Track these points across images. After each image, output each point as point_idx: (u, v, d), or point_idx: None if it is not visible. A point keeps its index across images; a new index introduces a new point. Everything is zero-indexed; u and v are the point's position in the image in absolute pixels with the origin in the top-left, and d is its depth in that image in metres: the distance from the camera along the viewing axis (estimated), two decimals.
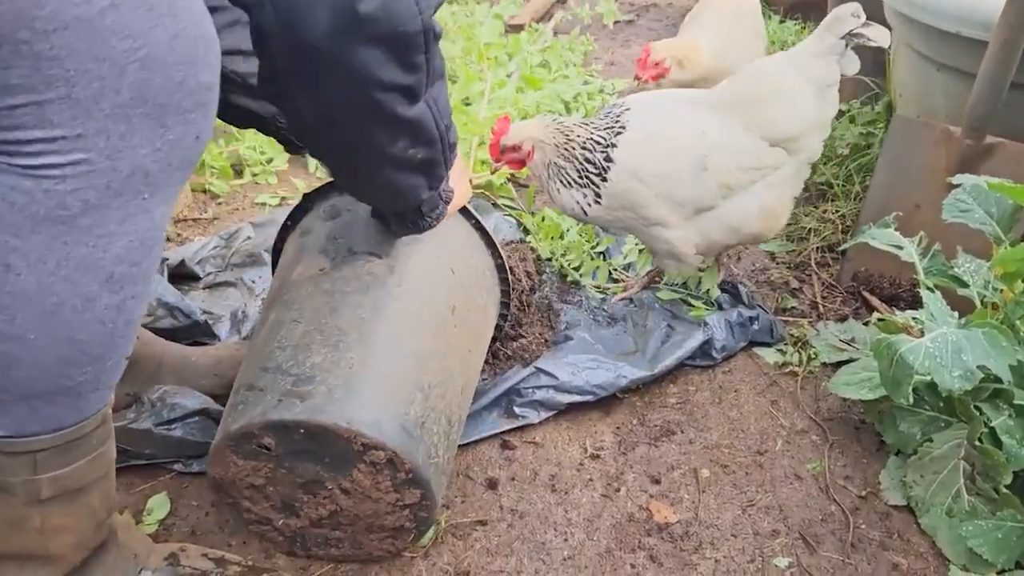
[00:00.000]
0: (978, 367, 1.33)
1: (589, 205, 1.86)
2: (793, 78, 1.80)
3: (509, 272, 1.75)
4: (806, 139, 1.82)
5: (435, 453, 1.35)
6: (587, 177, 1.84)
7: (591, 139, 1.83)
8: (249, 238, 2.27)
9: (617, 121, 1.84)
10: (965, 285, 1.66)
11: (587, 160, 1.83)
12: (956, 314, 1.48)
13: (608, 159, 1.82)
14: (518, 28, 4.05)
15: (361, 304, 1.39)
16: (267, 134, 1.60)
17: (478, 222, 1.66)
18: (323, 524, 1.40)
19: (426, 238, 1.50)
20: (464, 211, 1.64)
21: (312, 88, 1.11)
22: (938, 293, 1.52)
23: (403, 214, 1.41)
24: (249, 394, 1.33)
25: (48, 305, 0.95)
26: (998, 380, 1.41)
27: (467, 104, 2.92)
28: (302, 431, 1.27)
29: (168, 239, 2.38)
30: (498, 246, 1.69)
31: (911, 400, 1.39)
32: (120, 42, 0.86)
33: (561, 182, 1.87)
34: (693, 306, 2.04)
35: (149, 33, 0.88)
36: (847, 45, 1.76)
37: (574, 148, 1.84)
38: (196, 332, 1.89)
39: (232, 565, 1.39)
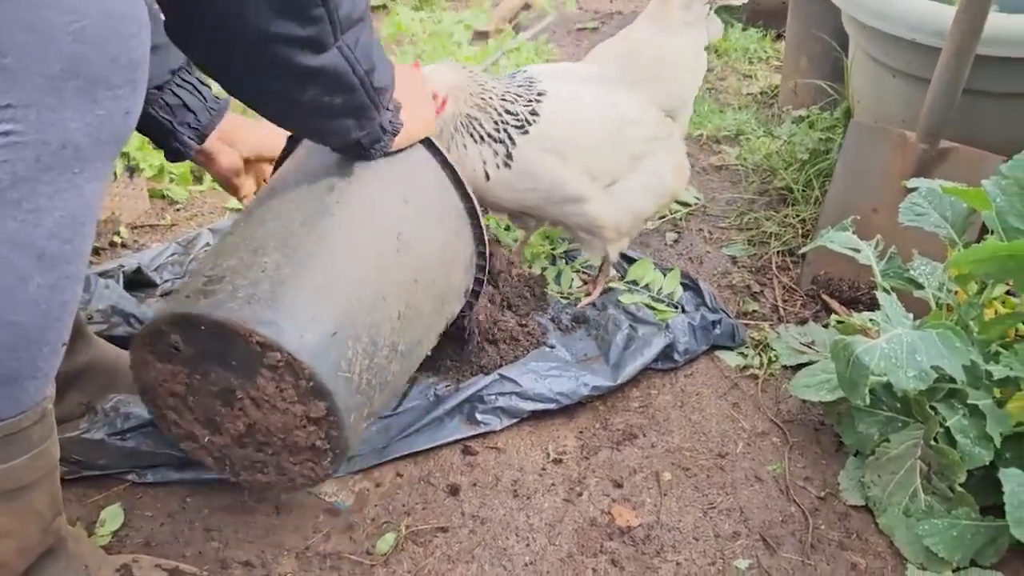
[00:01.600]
0: (932, 367, 1.35)
1: (496, 167, 1.77)
2: (678, 50, 1.87)
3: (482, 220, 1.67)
4: (689, 104, 1.96)
5: (347, 368, 1.29)
6: (505, 131, 1.76)
7: (509, 91, 1.80)
8: (208, 244, 2.24)
9: (531, 85, 1.83)
10: (921, 287, 1.68)
11: (507, 111, 1.76)
12: (911, 316, 1.49)
13: (532, 113, 1.78)
14: (485, 35, 4.05)
15: (292, 217, 1.38)
16: (146, 134, 1.58)
17: (445, 159, 1.59)
18: (245, 443, 1.36)
19: (383, 167, 1.48)
20: (431, 147, 1.59)
21: (210, 43, 1.13)
22: (894, 295, 1.53)
23: (342, 148, 1.44)
24: (168, 296, 1.32)
25: None
26: (953, 380, 1.42)
27: None
28: (203, 328, 1.24)
29: (124, 246, 2.34)
30: (467, 188, 1.61)
31: (867, 401, 1.41)
32: (54, 14, 0.86)
33: (471, 136, 1.76)
34: (656, 309, 2.05)
35: (83, 7, 0.88)
36: (710, 9, 1.86)
37: (491, 98, 1.77)
38: None
39: (186, 575, 1.36)
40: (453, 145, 1.79)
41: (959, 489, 1.43)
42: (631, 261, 2.22)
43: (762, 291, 2.23)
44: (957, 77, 1.88)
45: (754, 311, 2.15)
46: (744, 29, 4.10)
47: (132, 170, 2.39)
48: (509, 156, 1.78)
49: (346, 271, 1.36)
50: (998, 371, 1.41)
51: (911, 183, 1.68)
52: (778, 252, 2.35)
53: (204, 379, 1.31)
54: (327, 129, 1.33)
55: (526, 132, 1.77)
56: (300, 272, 1.31)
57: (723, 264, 2.35)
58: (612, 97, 1.87)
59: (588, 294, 2.12)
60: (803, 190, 2.50)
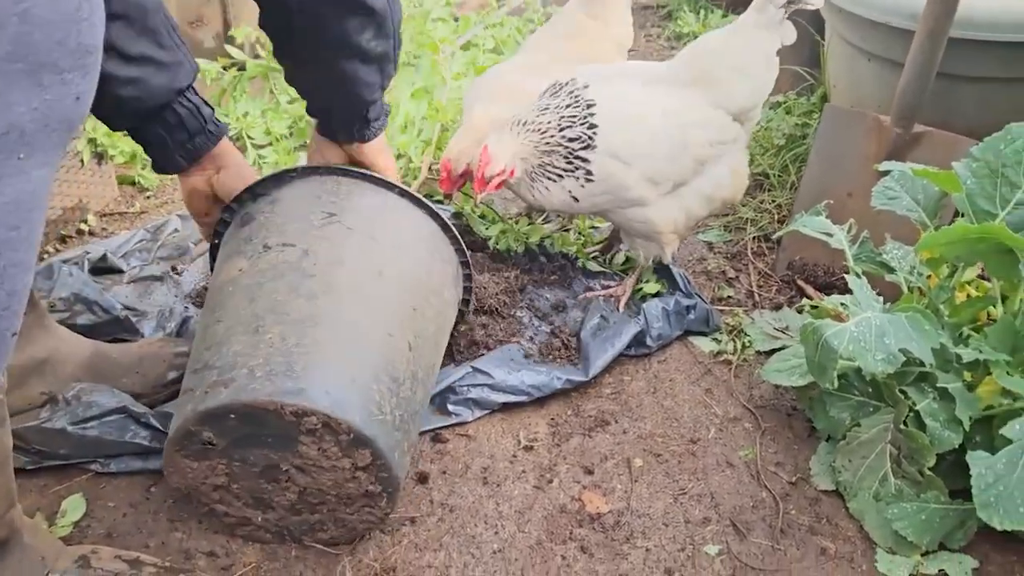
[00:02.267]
0: (900, 350, 1.34)
1: (582, 186, 1.81)
2: (746, 53, 1.83)
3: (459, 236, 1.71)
4: (758, 109, 1.90)
5: (379, 410, 1.32)
6: (576, 157, 1.79)
7: (563, 118, 1.81)
8: (176, 231, 2.21)
9: (577, 98, 1.82)
10: (892, 271, 1.67)
11: (570, 139, 1.79)
12: (881, 299, 1.48)
13: (591, 127, 1.79)
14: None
15: (277, 289, 1.39)
16: (139, 142, 1.59)
17: (396, 187, 1.62)
18: (299, 510, 1.40)
19: (346, 216, 1.52)
20: (376, 180, 1.61)
21: None
22: (864, 279, 1.52)
23: (351, 120, 1.54)
24: (183, 398, 1.35)
25: None
26: (922, 364, 1.41)
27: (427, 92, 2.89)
28: (232, 416, 1.27)
29: (92, 233, 2.30)
30: (431, 206, 1.64)
31: (836, 385, 1.40)
32: None
33: (549, 178, 1.82)
34: (641, 287, 2.05)
35: None
36: (785, 14, 1.81)
37: (552, 136, 1.80)
38: (117, 328, 1.82)
39: (147, 567, 1.34)
40: (537, 192, 1.85)
41: (928, 473, 1.42)
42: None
43: (737, 277, 2.22)
44: (931, 60, 1.87)
45: (729, 297, 2.13)
46: (724, 15, 4.09)
47: (100, 156, 2.36)
48: (589, 174, 1.80)
49: (345, 321, 1.38)
50: (967, 354, 1.40)
51: (883, 166, 1.67)
52: (754, 238, 2.34)
53: (244, 464, 1.35)
54: (362, 82, 1.44)
55: (594, 147, 1.79)
56: (305, 336, 1.33)
57: (699, 250, 2.34)
58: (676, 99, 1.84)
59: (615, 297, 2.04)
60: (779, 175, 2.49)
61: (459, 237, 1.69)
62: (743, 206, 2.46)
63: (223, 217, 1.63)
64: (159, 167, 1.62)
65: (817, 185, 2.12)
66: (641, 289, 2.07)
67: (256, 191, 1.59)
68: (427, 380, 1.51)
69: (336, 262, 1.44)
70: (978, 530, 1.43)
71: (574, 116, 1.80)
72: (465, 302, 1.81)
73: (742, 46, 1.84)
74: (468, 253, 1.74)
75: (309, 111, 1.62)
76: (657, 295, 2.04)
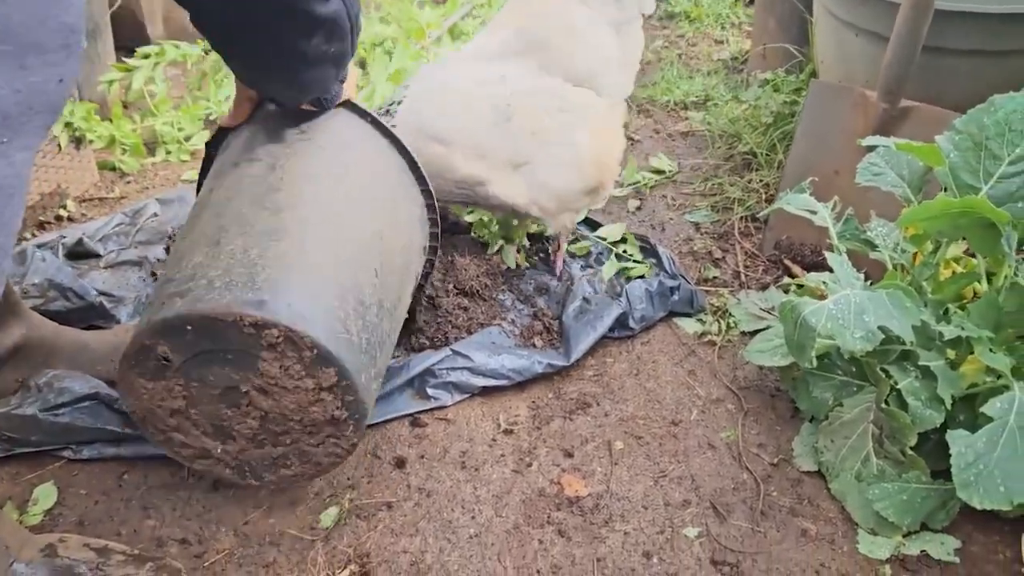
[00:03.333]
0: (879, 328, 1.31)
1: None
2: (582, 16, 1.77)
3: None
4: (610, 76, 1.81)
5: (344, 329, 1.27)
6: None
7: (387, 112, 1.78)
8: (156, 215, 2.18)
9: (403, 95, 1.79)
10: (877, 248, 1.64)
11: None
12: (862, 276, 1.45)
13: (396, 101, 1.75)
14: None
15: (242, 202, 1.35)
16: None
17: (373, 119, 1.58)
18: (262, 441, 1.34)
19: (317, 136, 1.48)
20: (357, 110, 1.57)
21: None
22: (845, 256, 1.49)
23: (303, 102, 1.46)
24: (142, 312, 1.31)
25: None
26: (903, 341, 1.39)
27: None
28: (189, 328, 1.21)
29: (71, 219, 2.27)
30: (402, 142, 1.59)
31: (814, 364, 1.37)
32: None
33: None
34: (627, 266, 2.05)
35: None
36: None
37: None
38: (91, 315, 1.80)
39: (116, 554, 1.32)
40: None
41: (910, 452, 1.40)
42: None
43: (724, 257, 2.19)
44: (916, 31, 1.83)
45: (715, 277, 2.10)
46: None
47: (79, 141, 2.33)
48: None
49: (311, 238, 1.32)
50: (949, 331, 1.37)
51: (866, 141, 1.64)
52: (741, 218, 2.30)
53: (203, 385, 1.28)
54: (314, 79, 1.36)
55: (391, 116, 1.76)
56: (268, 249, 1.27)
57: (686, 230, 2.30)
58: (500, 70, 1.76)
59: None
60: (767, 154, 2.45)
61: (426, 179, 1.63)
62: (731, 185, 2.42)
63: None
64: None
65: (803, 163, 2.08)
66: (627, 270, 2.05)
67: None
68: (393, 312, 1.44)
69: (304, 177, 1.40)
70: (961, 510, 1.40)
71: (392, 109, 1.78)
72: (432, 249, 1.73)
73: (579, 9, 1.77)
74: (435, 198, 1.66)
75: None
76: (641, 277, 2.02)
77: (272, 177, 1.38)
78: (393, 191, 1.56)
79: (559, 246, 2.06)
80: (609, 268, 2.07)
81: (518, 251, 2.10)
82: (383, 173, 1.56)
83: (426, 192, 1.65)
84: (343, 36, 1.29)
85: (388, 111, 1.77)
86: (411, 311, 1.78)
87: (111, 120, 2.56)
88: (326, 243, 1.34)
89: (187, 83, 2.90)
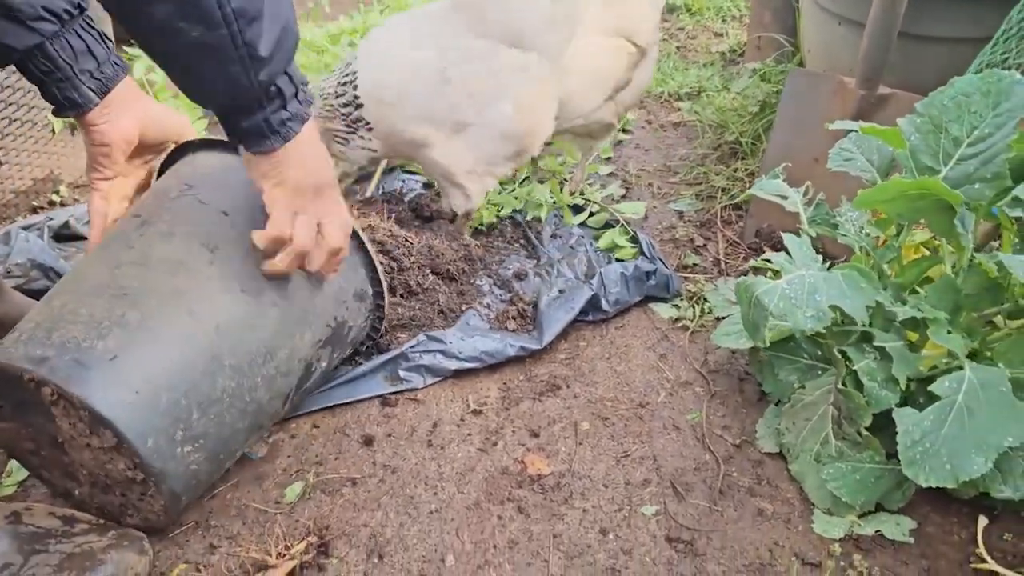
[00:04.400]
0: (831, 307, 1.31)
1: (371, 140, 1.84)
2: None
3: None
4: (542, 37, 1.81)
5: (132, 390, 1.21)
6: (355, 122, 1.81)
7: (337, 83, 1.82)
8: None
9: (355, 58, 1.83)
10: (845, 234, 1.65)
11: (344, 104, 1.81)
12: (820, 258, 1.46)
13: (351, 83, 1.80)
14: None
15: (93, 260, 1.34)
16: (36, 80, 1.39)
17: None
18: (105, 488, 1.31)
19: (201, 191, 1.40)
20: None
21: None
22: (805, 238, 1.50)
23: (238, 123, 1.22)
24: None
25: None
26: (858, 322, 1.39)
27: None
28: None
29: (63, 205, 2.32)
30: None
31: (767, 343, 1.38)
32: None
33: (340, 143, 1.85)
34: (619, 245, 2.09)
35: None
36: None
37: (330, 101, 1.82)
38: None
39: (80, 523, 1.35)
40: (339, 156, 1.90)
41: (865, 433, 1.40)
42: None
43: (705, 245, 2.19)
44: (892, 18, 1.83)
45: (695, 264, 2.11)
46: None
47: (73, 126, 2.37)
48: (370, 127, 1.84)
49: (134, 293, 1.27)
50: (903, 312, 1.37)
51: (834, 126, 1.64)
52: (724, 207, 2.31)
53: (38, 431, 1.28)
54: (196, 74, 1.17)
55: (360, 104, 1.81)
56: (81, 306, 1.25)
57: (669, 218, 2.31)
58: (438, 33, 1.80)
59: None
60: (752, 143, 2.45)
61: (357, 229, 1.49)
62: (716, 174, 2.43)
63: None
64: (64, 105, 1.40)
65: (783, 151, 2.09)
66: (614, 250, 2.08)
67: (164, 165, 1.51)
68: (246, 368, 1.34)
69: (164, 235, 1.34)
70: (918, 492, 1.41)
71: (344, 81, 1.81)
72: (377, 294, 1.62)
73: None
74: (365, 239, 1.53)
75: None
76: (621, 261, 2.04)
77: (134, 234, 1.34)
78: None
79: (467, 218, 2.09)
80: (606, 239, 2.11)
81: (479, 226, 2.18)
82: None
83: (354, 236, 1.51)
84: (208, 21, 1.09)
85: (348, 82, 1.81)
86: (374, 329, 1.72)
87: None
88: (151, 299, 1.27)
89: None
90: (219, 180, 1.42)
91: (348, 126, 1.84)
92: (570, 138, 2.13)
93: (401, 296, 1.88)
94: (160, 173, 1.53)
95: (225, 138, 1.28)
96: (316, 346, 1.48)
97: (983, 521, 1.39)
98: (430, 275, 1.94)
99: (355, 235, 1.51)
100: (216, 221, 1.37)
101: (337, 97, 1.83)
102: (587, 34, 1.91)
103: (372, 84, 1.81)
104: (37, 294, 1.77)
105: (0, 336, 1.63)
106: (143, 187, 1.51)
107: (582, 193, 2.32)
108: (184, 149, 1.52)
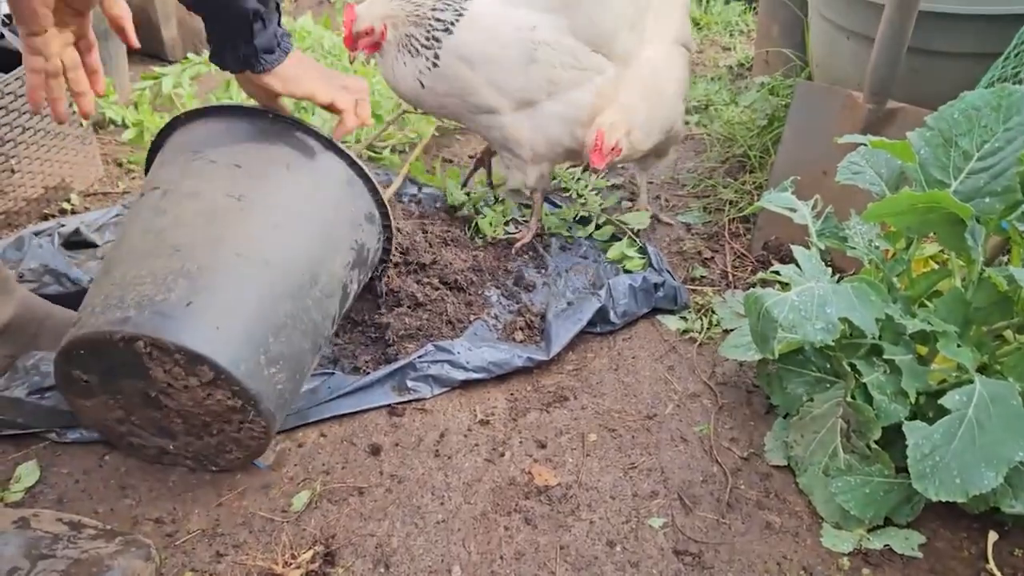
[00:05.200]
0: (841, 319, 1.31)
1: (429, 69, 1.89)
2: None
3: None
4: (621, 43, 1.93)
5: (216, 326, 1.34)
6: (434, 37, 1.87)
7: (440, 1, 1.89)
8: None
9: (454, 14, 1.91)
10: (854, 246, 1.64)
11: (437, 20, 1.87)
12: (830, 271, 1.46)
13: (459, 15, 1.87)
14: None
15: (132, 232, 1.46)
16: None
17: (277, 116, 1.59)
18: (199, 434, 1.45)
19: (208, 151, 1.53)
20: (262, 113, 1.60)
21: None
22: (815, 250, 1.50)
23: (235, 42, 1.44)
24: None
25: None
26: (869, 335, 1.39)
27: None
28: (82, 351, 1.35)
29: (74, 212, 2.33)
30: (317, 131, 1.60)
31: (776, 355, 1.38)
32: None
33: (409, 52, 1.89)
34: (627, 256, 2.10)
35: None
36: None
37: (424, 13, 1.88)
38: None
39: (87, 528, 1.36)
40: (397, 64, 1.92)
41: (875, 446, 1.40)
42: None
43: (713, 257, 2.19)
44: (901, 32, 1.83)
45: (703, 276, 2.11)
46: (727, 2, 4.05)
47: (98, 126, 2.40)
48: (436, 58, 1.88)
49: (185, 248, 1.40)
50: (912, 325, 1.37)
51: (843, 139, 1.64)
52: (732, 219, 2.31)
53: (125, 396, 1.41)
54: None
55: (451, 33, 1.87)
56: (142, 269, 1.37)
57: (676, 231, 2.31)
58: (534, 20, 1.89)
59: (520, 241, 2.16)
60: (760, 156, 2.46)
61: (347, 152, 1.63)
62: (724, 187, 2.43)
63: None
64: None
65: (791, 164, 2.09)
66: (622, 261, 2.08)
67: (156, 143, 1.66)
68: (298, 293, 1.47)
69: (190, 195, 1.47)
70: (927, 506, 1.40)
71: (449, 4, 1.88)
72: (384, 215, 1.73)
73: None
74: (364, 165, 1.64)
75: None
76: (628, 272, 2.04)
77: (162, 202, 1.47)
78: (303, 180, 1.57)
79: (535, 220, 2.17)
80: (615, 250, 2.12)
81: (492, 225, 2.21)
82: (295, 166, 1.57)
83: (353, 165, 1.64)
84: None
85: (453, 7, 1.88)
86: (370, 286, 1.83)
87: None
88: (200, 249, 1.40)
89: (214, 90, 2.96)
90: (220, 141, 1.55)
91: (426, 40, 1.88)
92: (639, 156, 2.13)
93: (408, 307, 1.88)
94: (153, 151, 1.67)
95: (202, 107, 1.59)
96: (347, 268, 1.60)
97: (993, 536, 1.38)
98: (438, 283, 1.94)
99: (356, 164, 1.64)
100: (233, 174, 1.50)
101: (434, 10, 1.88)
102: (660, 42, 2.01)
103: (467, 38, 1.87)
104: (50, 299, 1.78)
105: (16, 338, 1.65)
106: (80, 37, 1.43)
107: (585, 203, 2.32)
108: (172, 125, 1.64)
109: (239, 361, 1.34)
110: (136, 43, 1.43)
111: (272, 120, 1.59)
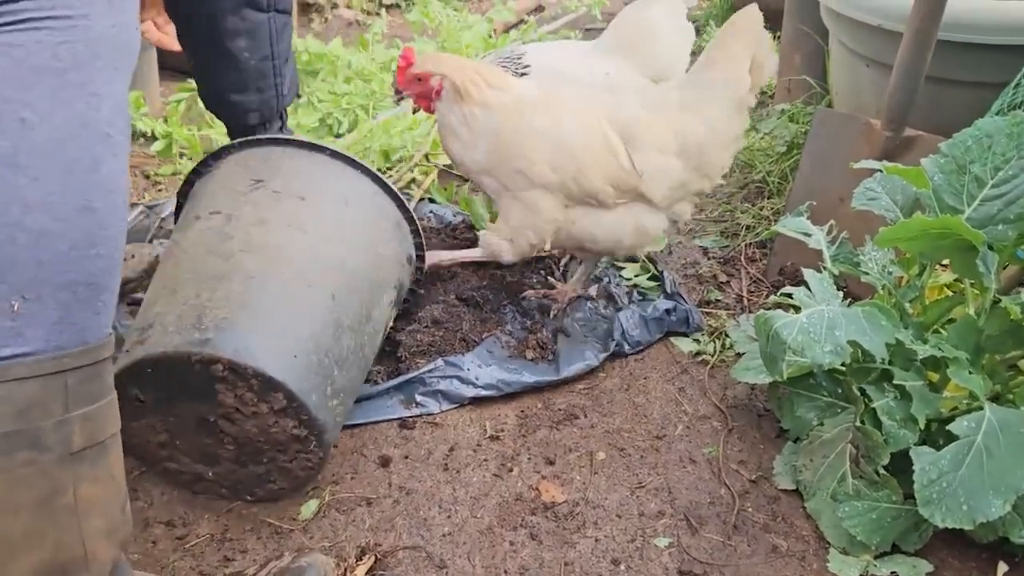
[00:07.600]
0: (850, 343, 1.31)
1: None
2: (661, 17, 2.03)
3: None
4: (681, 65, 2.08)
5: (291, 355, 1.37)
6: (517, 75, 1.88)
7: (501, 64, 1.92)
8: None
9: (519, 58, 1.94)
10: (868, 272, 1.65)
11: (514, 63, 1.92)
12: (841, 295, 1.46)
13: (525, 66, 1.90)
14: (508, 28, 4.12)
15: (198, 253, 1.47)
16: None
17: (335, 152, 1.64)
18: (244, 462, 1.45)
19: (271, 182, 1.57)
20: (320, 148, 1.65)
21: None
22: (826, 274, 1.50)
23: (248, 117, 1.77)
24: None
25: (64, 162, 0.95)
26: (879, 360, 1.39)
27: None
28: (150, 370, 1.34)
29: None
30: (366, 167, 1.65)
31: (784, 376, 1.38)
32: None
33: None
34: (642, 285, 2.10)
35: None
36: None
37: (502, 60, 1.92)
38: None
39: None
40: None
41: (883, 472, 1.39)
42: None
43: (728, 281, 2.20)
44: (919, 61, 1.84)
45: (718, 300, 2.12)
46: None
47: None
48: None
49: (258, 276, 1.43)
50: (923, 350, 1.37)
51: (858, 165, 1.65)
52: (748, 244, 2.32)
53: (178, 419, 1.41)
54: (236, 84, 1.65)
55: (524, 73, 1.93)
56: (216, 291, 1.40)
57: (693, 255, 2.32)
58: (604, 67, 1.95)
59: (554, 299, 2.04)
60: (779, 182, 2.46)
61: (397, 193, 1.69)
62: (742, 213, 2.44)
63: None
64: None
65: (808, 190, 2.09)
66: (636, 285, 2.09)
67: (199, 170, 1.67)
68: (358, 328, 1.52)
69: (257, 223, 1.50)
70: (936, 534, 1.39)
71: (506, 67, 1.93)
72: (419, 257, 1.80)
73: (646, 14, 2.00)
74: (410, 208, 1.73)
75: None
76: (644, 297, 2.05)
77: (228, 227, 1.50)
78: (358, 215, 1.63)
79: (574, 283, 2.04)
80: (630, 272, 2.13)
81: None
82: (351, 201, 1.63)
83: (401, 207, 1.70)
84: (264, 54, 1.66)
85: (516, 59, 1.94)
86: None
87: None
88: (274, 278, 1.44)
89: None
90: (283, 171, 1.59)
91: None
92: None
93: (425, 326, 1.90)
94: (196, 173, 1.69)
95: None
96: (390, 306, 1.66)
97: (1003, 567, 1.37)
98: (456, 301, 1.96)
99: (404, 207, 1.70)
100: (296, 207, 1.54)
101: (506, 59, 1.94)
102: None
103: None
104: None
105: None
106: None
107: None
108: (227, 149, 1.67)
109: (311, 391, 1.38)
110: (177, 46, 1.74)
111: (331, 156, 1.64)
